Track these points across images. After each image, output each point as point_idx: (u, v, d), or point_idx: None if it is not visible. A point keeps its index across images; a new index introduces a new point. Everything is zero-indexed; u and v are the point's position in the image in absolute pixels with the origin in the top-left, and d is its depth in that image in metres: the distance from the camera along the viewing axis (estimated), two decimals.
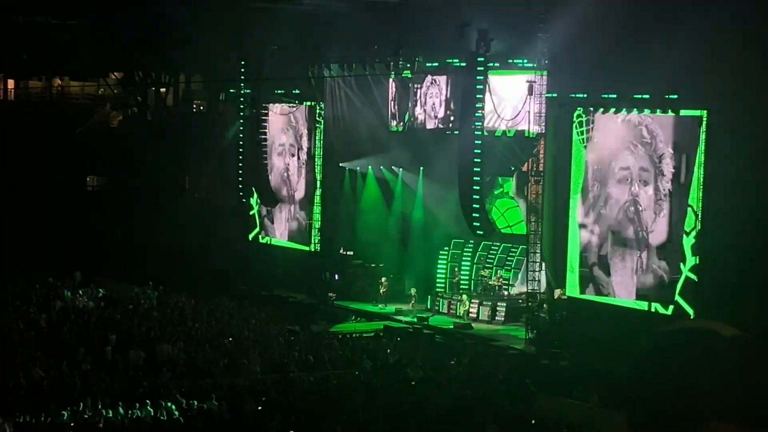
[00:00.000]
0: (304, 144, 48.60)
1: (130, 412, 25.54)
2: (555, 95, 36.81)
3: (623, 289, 34.92)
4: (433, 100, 44.12)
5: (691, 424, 1.98)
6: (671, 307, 33.03)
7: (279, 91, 48.82)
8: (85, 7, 51.06)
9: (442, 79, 43.68)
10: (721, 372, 1.99)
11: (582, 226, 36.26)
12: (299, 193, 48.99)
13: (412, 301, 43.11)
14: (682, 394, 1.99)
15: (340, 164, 47.69)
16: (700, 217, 32.61)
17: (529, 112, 37.71)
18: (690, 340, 2.06)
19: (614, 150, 35.17)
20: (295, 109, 48.78)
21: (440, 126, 43.94)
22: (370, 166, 47.33)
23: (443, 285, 44.81)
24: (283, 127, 49.70)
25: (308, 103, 47.98)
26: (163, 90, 57.07)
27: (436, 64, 43.00)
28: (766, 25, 29.94)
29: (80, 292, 42.19)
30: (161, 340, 34.15)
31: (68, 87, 59.20)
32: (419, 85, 44.39)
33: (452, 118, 42.78)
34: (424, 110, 44.41)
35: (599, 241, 35.81)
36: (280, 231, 50.10)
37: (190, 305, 41.97)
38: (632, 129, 34.53)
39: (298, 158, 49.16)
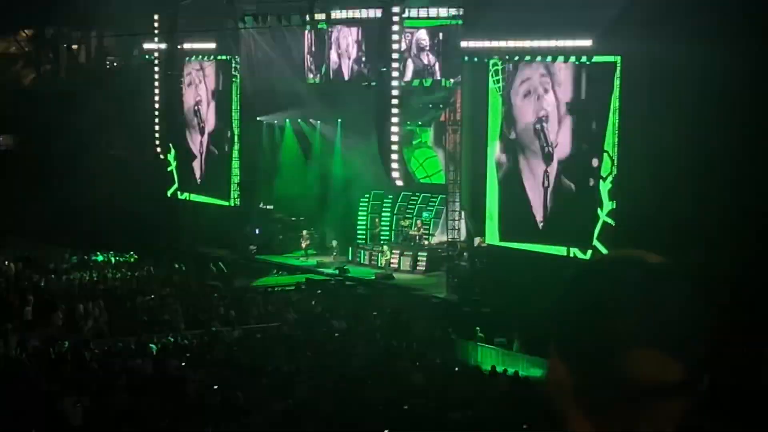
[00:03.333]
0: (218, 98, 48.30)
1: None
2: (470, 45, 36.88)
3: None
4: (348, 51, 43.97)
5: (616, 351, 2.02)
6: (589, 251, 33.43)
7: (195, 46, 48.38)
8: None
9: (356, 30, 43.55)
10: (647, 298, 2.02)
11: (499, 166, 36.57)
12: (216, 148, 48.70)
13: (334, 254, 43.21)
14: (607, 321, 2.02)
15: (258, 118, 47.39)
16: (616, 162, 33.03)
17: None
18: (614, 267, 2.09)
19: (522, 94, 35.65)
20: (210, 63, 48.41)
21: (357, 77, 43.83)
22: (287, 120, 47.11)
23: (364, 236, 44.90)
24: (196, 81, 49.33)
25: (223, 57, 47.61)
26: (75, 47, 56.22)
27: (352, 14, 42.86)
28: None
29: None
30: (81, 299, 33.89)
31: None
32: (335, 37, 44.20)
33: (368, 69, 42.70)
34: (340, 62, 44.25)
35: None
36: (198, 186, 49.77)
37: (110, 264, 41.69)
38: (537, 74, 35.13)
39: (213, 112, 48.84)
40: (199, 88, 49.39)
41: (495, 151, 36.63)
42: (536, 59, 35.10)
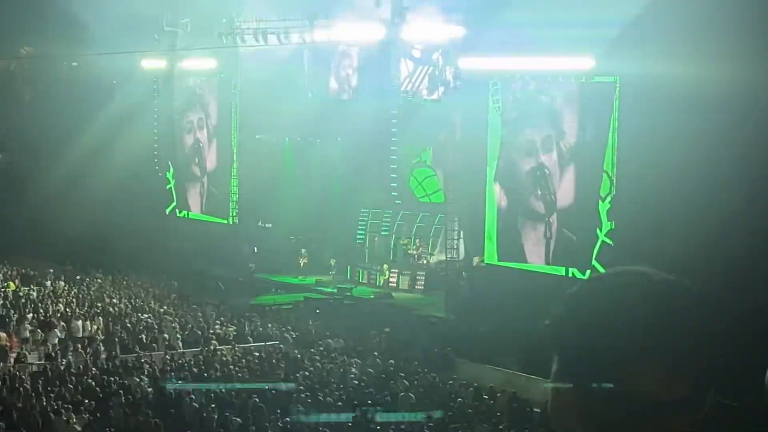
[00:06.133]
0: (216, 116, 48.33)
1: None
2: (469, 64, 36.88)
3: (537, 255, 35.31)
4: (347, 70, 44.00)
5: (621, 368, 2.00)
6: (588, 272, 33.35)
7: (195, 64, 48.39)
8: None
9: (355, 49, 43.59)
10: (652, 314, 2.01)
11: (497, 194, 36.58)
12: (214, 166, 48.69)
13: (333, 272, 43.12)
14: (611, 337, 2.00)
15: (257, 136, 47.36)
16: (614, 182, 33.00)
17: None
18: (617, 283, 2.08)
19: (520, 119, 35.57)
20: (207, 82, 48.43)
21: (356, 95, 43.84)
22: (287, 138, 47.10)
23: (363, 255, 44.81)
24: (194, 100, 49.35)
25: (222, 75, 47.62)
26: (75, 65, 56.21)
27: (351, 34, 42.86)
28: None
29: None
30: (79, 317, 33.82)
31: None
32: (334, 65, 44.24)
33: (368, 88, 42.68)
34: (340, 80, 44.28)
35: (512, 207, 36.18)
36: (197, 205, 49.76)
37: (108, 282, 41.63)
38: (534, 97, 35.03)
39: (209, 131, 48.86)
40: (193, 106, 49.36)
41: (494, 171, 36.60)
42: (533, 80, 35.12)
